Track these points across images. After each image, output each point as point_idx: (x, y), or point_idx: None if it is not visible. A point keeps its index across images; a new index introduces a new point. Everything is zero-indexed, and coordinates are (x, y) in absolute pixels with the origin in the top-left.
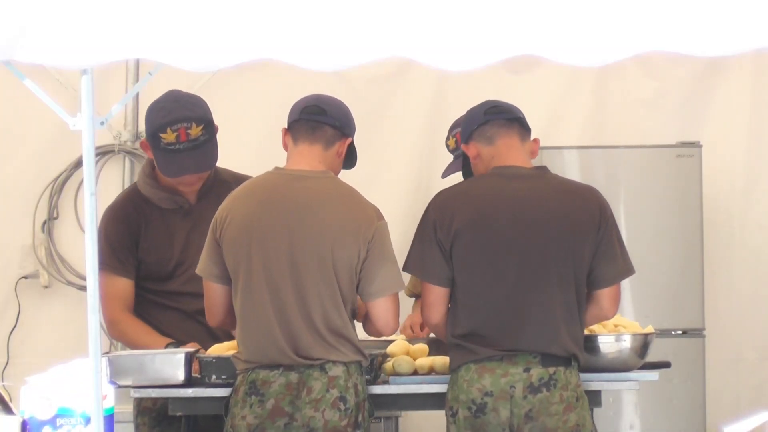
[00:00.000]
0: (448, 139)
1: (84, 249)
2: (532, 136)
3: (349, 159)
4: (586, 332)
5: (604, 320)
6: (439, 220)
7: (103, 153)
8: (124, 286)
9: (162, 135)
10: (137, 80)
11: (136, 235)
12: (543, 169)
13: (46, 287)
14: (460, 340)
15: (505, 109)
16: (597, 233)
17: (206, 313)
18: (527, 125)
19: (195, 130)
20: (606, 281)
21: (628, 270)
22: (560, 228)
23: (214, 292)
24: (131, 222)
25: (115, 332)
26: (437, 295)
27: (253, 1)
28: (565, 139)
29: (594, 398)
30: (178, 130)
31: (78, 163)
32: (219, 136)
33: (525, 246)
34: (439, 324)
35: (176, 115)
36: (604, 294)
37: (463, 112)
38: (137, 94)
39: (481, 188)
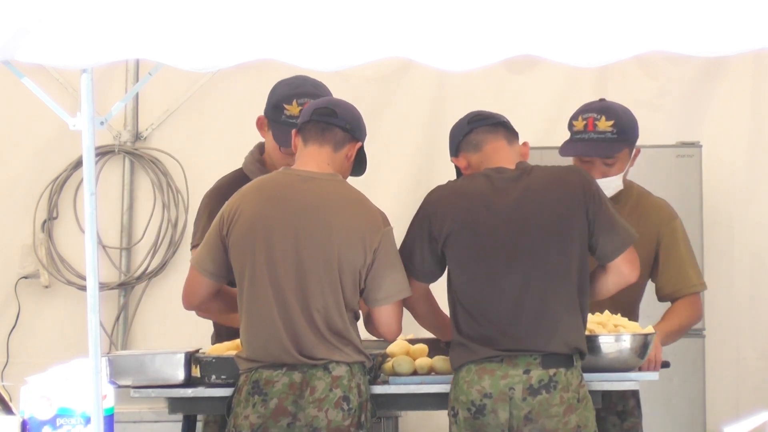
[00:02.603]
0: (576, 119)
1: (84, 249)
2: (533, 136)
3: (359, 165)
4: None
5: (627, 284)
6: (432, 219)
7: (103, 153)
8: None
9: (286, 106)
10: (137, 80)
11: None
12: (524, 164)
13: (46, 287)
14: (463, 339)
15: (488, 115)
16: (587, 214)
17: (183, 296)
18: (513, 129)
19: None
20: (616, 251)
21: (630, 237)
22: (548, 221)
23: (199, 284)
24: None
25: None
26: (421, 291)
27: (253, 1)
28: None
29: (594, 398)
30: (303, 104)
31: (78, 163)
32: (218, 137)
33: (516, 244)
34: (420, 315)
35: (304, 90)
36: (620, 261)
37: (463, 112)
38: (137, 94)
39: (472, 189)
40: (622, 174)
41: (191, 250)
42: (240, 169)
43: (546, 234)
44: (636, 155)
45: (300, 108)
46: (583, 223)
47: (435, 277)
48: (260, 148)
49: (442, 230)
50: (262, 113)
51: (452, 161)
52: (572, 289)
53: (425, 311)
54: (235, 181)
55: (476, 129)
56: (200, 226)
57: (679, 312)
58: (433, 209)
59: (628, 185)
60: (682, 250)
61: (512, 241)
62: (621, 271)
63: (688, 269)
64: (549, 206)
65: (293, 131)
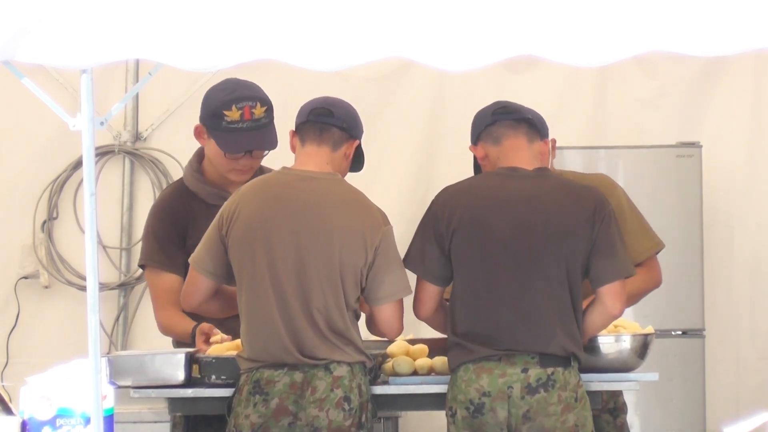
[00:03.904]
0: None
1: (84, 249)
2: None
3: (357, 161)
4: None
5: (612, 319)
6: (440, 217)
7: (103, 153)
8: (172, 281)
9: (226, 112)
10: (137, 80)
11: (184, 231)
12: (544, 170)
13: (46, 287)
14: (459, 339)
15: (514, 109)
16: (591, 232)
17: (182, 297)
18: (537, 125)
19: (258, 110)
20: (605, 278)
21: (626, 270)
22: (554, 228)
23: (200, 284)
24: (178, 217)
25: (164, 330)
26: (430, 293)
27: (253, 1)
28: (565, 139)
29: (594, 398)
30: (242, 108)
31: (78, 163)
32: None
33: (519, 246)
34: (427, 318)
35: (241, 93)
36: (605, 291)
37: (463, 113)
38: (137, 94)
39: (482, 187)
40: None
41: (139, 266)
42: (181, 180)
43: (550, 241)
44: (554, 146)
45: (240, 112)
46: (586, 240)
47: (448, 279)
48: (198, 157)
49: (450, 227)
50: (198, 122)
51: (470, 149)
52: (566, 299)
53: (441, 320)
54: (175, 193)
55: (499, 122)
56: (147, 246)
57: (629, 280)
58: (440, 208)
59: (558, 175)
60: (628, 217)
61: (516, 243)
62: (604, 301)
63: (640, 235)
64: (557, 215)
65: (290, 131)
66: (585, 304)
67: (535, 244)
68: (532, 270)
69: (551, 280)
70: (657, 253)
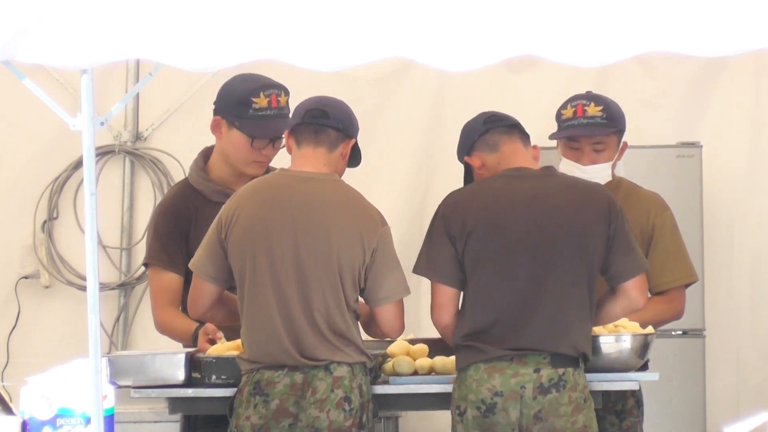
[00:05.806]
0: (564, 108)
1: (84, 249)
2: (533, 136)
3: (354, 158)
4: None
5: (636, 311)
6: (451, 220)
7: (103, 153)
8: (172, 280)
9: (255, 99)
10: (137, 80)
11: (186, 229)
12: (550, 169)
13: (46, 287)
14: (468, 340)
15: (503, 116)
16: (608, 228)
17: (188, 304)
18: (526, 132)
19: (283, 99)
20: (629, 273)
21: (644, 263)
22: (570, 225)
23: (204, 290)
24: (181, 216)
25: (161, 328)
26: (448, 296)
27: (253, 1)
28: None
29: (594, 399)
30: (270, 95)
31: (78, 163)
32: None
33: (536, 245)
34: (448, 325)
35: (266, 81)
36: (630, 285)
37: (463, 113)
38: (137, 94)
39: (492, 189)
40: (611, 163)
41: (143, 265)
42: (186, 179)
43: (566, 239)
44: (623, 149)
45: (268, 100)
46: (603, 238)
47: (462, 281)
48: (204, 155)
49: (464, 229)
50: (214, 116)
51: (465, 160)
52: (585, 297)
53: (451, 321)
54: (180, 192)
55: (493, 129)
56: (150, 245)
57: (648, 308)
58: (451, 212)
59: (617, 181)
60: (668, 243)
61: (533, 242)
62: (630, 295)
63: (671, 263)
64: (573, 212)
65: (286, 132)
66: None
67: (553, 244)
68: (549, 269)
69: (569, 278)
70: (687, 285)
